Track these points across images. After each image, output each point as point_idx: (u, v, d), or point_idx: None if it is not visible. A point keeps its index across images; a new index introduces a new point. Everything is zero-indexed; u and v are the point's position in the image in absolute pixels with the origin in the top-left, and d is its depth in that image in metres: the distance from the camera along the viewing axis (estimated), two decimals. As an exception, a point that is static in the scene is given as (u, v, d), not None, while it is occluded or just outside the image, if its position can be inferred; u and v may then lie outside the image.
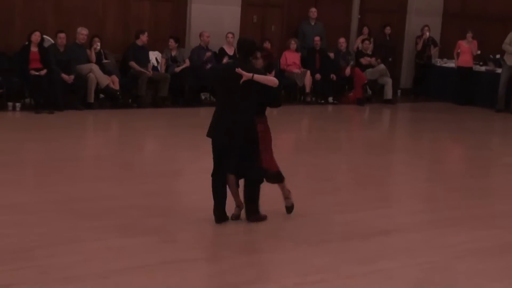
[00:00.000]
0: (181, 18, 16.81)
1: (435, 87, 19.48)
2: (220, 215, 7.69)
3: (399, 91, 19.85)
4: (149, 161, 10.93)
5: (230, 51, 16.47)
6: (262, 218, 7.83)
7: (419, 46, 19.50)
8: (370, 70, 18.12)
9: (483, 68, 18.91)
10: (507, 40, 17.77)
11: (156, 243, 6.99)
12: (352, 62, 18.07)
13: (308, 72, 17.21)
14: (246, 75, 7.38)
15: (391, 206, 8.90)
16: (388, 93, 18.34)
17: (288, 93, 17.31)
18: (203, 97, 16.42)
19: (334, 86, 17.65)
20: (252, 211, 7.77)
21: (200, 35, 16.26)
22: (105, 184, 9.16)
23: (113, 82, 14.92)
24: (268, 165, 7.83)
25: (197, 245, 7.01)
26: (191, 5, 16.70)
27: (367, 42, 18.42)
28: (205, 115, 15.24)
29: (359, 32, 19.23)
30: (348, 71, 17.81)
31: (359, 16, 19.58)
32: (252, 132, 7.53)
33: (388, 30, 19.23)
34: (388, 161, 11.99)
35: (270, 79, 7.53)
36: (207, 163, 7.80)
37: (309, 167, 10.99)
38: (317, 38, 17.56)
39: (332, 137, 13.95)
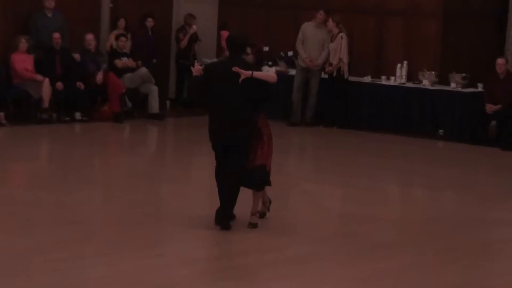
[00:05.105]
0: None
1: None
2: (221, 219, 9.45)
3: (168, 102, 19.94)
4: None
5: None
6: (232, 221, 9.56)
7: (184, 43, 19.52)
8: (128, 75, 18.06)
9: (272, 69, 19.30)
10: (300, 36, 18.13)
11: None
12: (105, 66, 17.97)
13: (47, 80, 16.87)
14: (245, 73, 8.86)
15: (164, 255, 8.86)
16: (154, 106, 18.32)
17: (19, 109, 16.84)
18: None
19: (83, 97, 17.45)
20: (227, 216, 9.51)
21: None
22: None
23: None
24: (268, 160, 9.51)
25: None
26: None
27: (123, 38, 18.34)
28: None
29: (113, 26, 19.08)
30: (100, 77, 17.73)
31: (112, 5, 19.43)
32: (250, 129, 9.23)
33: (150, 22, 19.21)
34: (157, 195, 12.05)
35: (271, 75, 9.20)
36: None
37: (52, 206, 10.88)
38: (56, 35, 17.29)
39: (81, 166, 13.80)
